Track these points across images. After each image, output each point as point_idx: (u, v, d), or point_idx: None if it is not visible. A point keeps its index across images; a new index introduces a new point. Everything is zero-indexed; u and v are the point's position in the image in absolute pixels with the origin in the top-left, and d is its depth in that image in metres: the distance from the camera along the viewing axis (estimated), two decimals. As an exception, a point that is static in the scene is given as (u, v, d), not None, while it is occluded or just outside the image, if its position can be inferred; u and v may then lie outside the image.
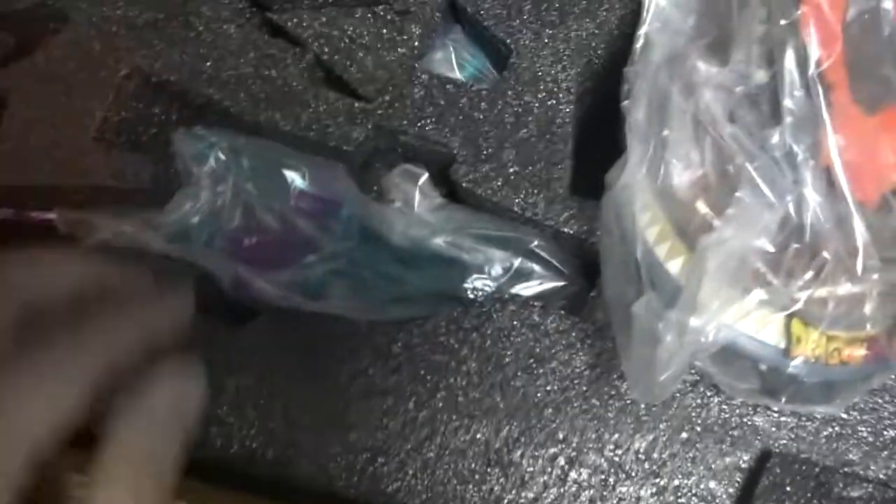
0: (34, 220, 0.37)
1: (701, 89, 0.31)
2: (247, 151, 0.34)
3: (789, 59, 0.28)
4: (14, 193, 0.37)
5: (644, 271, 0.29)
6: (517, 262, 0.34)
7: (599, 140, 0.34)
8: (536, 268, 0.34)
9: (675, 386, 0.28)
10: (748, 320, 0.29)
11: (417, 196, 0.33)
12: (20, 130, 0.36)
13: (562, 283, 0.33)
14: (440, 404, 0.31)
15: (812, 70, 0.28)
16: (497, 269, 0.34)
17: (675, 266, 0.30)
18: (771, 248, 0.27)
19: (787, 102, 0.28)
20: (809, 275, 0.28)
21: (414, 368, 0.32)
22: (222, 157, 0.34)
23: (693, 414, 0.31)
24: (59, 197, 0.36)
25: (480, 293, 0.34)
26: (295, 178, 0.34)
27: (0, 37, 0.39)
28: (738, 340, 0.29)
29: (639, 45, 0.32)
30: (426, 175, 0.33)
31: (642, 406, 0.31)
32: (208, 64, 0.36)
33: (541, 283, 0.34)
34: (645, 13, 0.33)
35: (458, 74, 0.37)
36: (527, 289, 0.34)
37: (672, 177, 0.30)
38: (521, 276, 0.34)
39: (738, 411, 0.31)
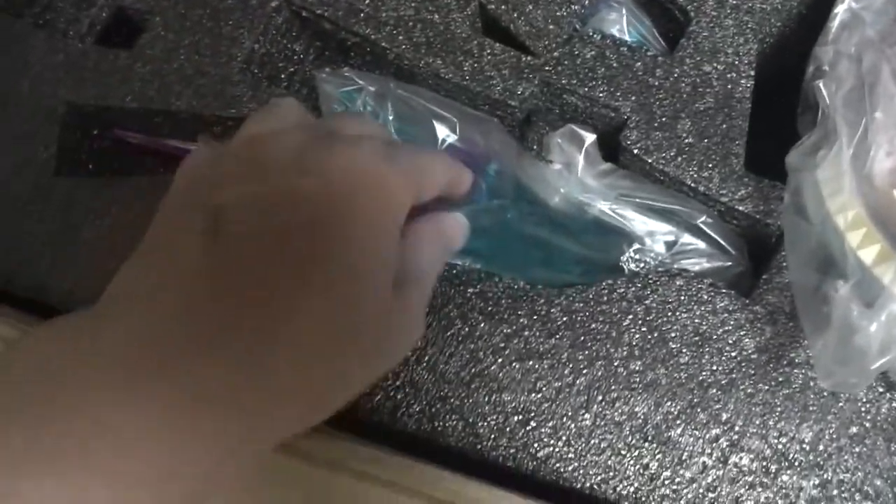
0: (167, 147, 0.40)
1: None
2: (395, 97, 0.37)
3: None
4: (147, 117, 0.39)
5: (838, 258, 0.32)
6: (682, 236, 0.37)
7: (773, 118, 0.37)
8: (702, 244, 0.37)
9: (877, 374, 0.31)
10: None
11: (582, 159, 0.36)
12: (161, 54, 0.39)
13: (728, 263, 0.35)
14: (598, 373, 0.34)
15: None
16: (659, 242, 0.36)
17: (868, 254, 0.32)
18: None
19: None
20: None
21: (573, 334, 0.34)
22: (370, 101, 0.36)
23: (863, 409, 0.34)
24: (197, 126, 0.39)
25: (640, 265, 0.36)
26: (444, 130, 0.37)
27: (140, -45, 0.41)
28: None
29: (835, 23, 0.35)
30: (593, 138, 0.36)
31: (811, 396, 0.34)
32: (367, 2, 0.39)
33: (706, 261, 0.36)
34: (843, -8, 0.35)
35: (627, 38, 0.40)
36: (690, 265, 0.36)
37: (873, 162, 0.33)
38: (685, 251, 0.37)
39: (910, 410, 0.33)
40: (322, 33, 0.42)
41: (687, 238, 0.38)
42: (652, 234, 0.38)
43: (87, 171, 0.41)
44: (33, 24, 0.43)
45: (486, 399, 0.35)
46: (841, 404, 0.35)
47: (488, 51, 0.39)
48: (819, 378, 0.33)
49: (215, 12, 0.41)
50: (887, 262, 0.32)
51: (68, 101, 0.41)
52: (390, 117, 0.38)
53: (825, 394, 0.35)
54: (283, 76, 0.43)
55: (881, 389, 0.35)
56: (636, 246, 0.38)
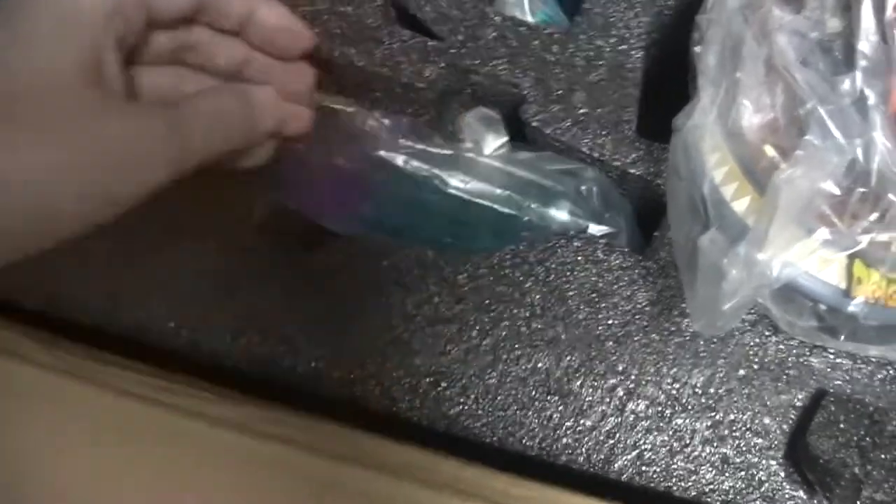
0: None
1: (775, 34, 0.33)
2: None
3: (866, 5, 0.30)
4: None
5: (711, 209, 0.31)
6: (573, 203, 0.36)
7: (667, 87, 0.36)
8: (595, 204, 0.36)
9: (738, 318, 0.31)
10: (811, 260, 0.31)
11: (490, 140, 0.36)
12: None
13: (612, 229, 0.35)
14: (503, 333, 0.34)
15: (889, 14, 0.30)
16: (556, 208, 0.36)
17: (741, 205, 0.32)
18: (837, 191, 0.29)
19: (862, 47, 0.30)
20: (874, 217, 0.30)
21: (479, 298, 0.34)
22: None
23: (751, 352, 0.33)
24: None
25: (539, 230, 0.36)
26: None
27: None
28: (800, 279, 0.31)
29: (711, -7, 0.34)
30: (500, 119, 0.36)
31: (701, 343, 0.33)
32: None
33: (599, 222, 0.36)
34: (720, -38, 0.34)
35: (529, 18, 0.39)
36: (584, 226, 0.36)
37: (742, 119, 0.32)
38: (579, 213, 0.36)
39: (794, 351, 0.33)
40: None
41: (580, 200, 0.37)
42: (546, 199, 0.38)
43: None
44: None
45: (400, 363, 0.35)
46: (730, 349, 0.34)
47: (397, 37, 0.39)
48: (692, 323, 0.33)
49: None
50: (756, 211, 0.32)
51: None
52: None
53: (715, 340, 0.34)
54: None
55: (768, 333, 0.34)
56: (532, 213, 0.37)
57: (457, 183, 0.36)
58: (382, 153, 0.37)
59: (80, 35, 0.25)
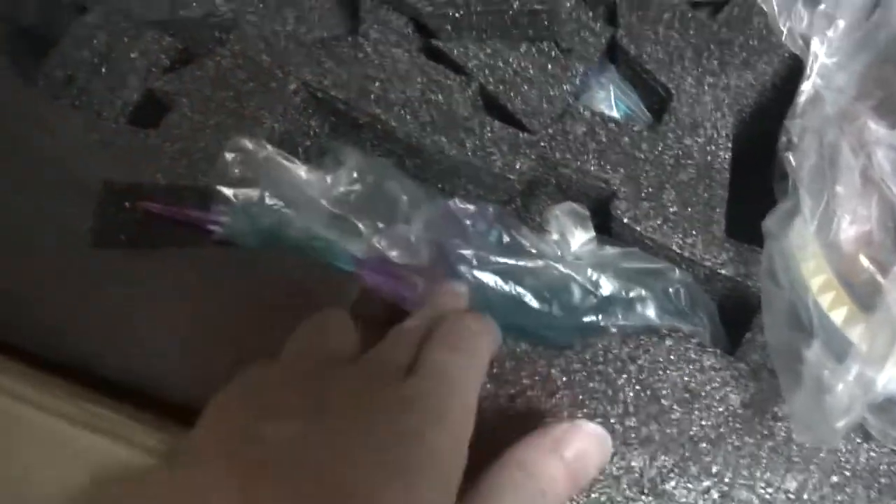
0: (190, 217, 0.39)
1: (872, 147, 0.33)
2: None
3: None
4: (175, 192, 0.39)
5: (814, 320, 0.31)
6: (659, 300, 0.36)
7: (749, 186, 0.37)
8: (681, 305, 0.36)
9: (846, 432, 0.30)
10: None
11: (577, 234, 0.36)
12: (188, 131, 0.39)
13: (698, 328, 0.35)
14: (597, 430, 0.33)
15: None
16: (643, 306, 0.36)
17: (838, 315, 0.32)
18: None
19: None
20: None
21: (572, 394, 0.34)
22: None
23: (843, 459, 0.33)
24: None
25: (625, 328, 0.36)
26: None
27: (168, 43, 0.41)
28: (900, 391, 0.31)
29: (802, 99, 0.35)
30: (588, 214, 0.36)
31: (794, 447, 0.33)
32: (377, 84, 0.39)
33: (685, 321, 0.36)
34: (808, 70, 0.35)
35: (614, 113, 0.40)
36: (671, 326, 0.36)
37: (839, 230, 0.33)
38: (664, 312, 0.36)
39: (886, 460, 0.33)
40: (336, 111, 0.42)
41: (662, 302, 0.37)
42: (633, 299, 0.37)
43: (120, 243, 0.41)
44: (70, 106, 0.43)
45: (492, 454, 0.35)
46: (822, 455, 0.34)
47: (488, 128, 0.39)
48: (795, 433, 0.33)
49: (238, 94, 0.41)
50: (855, 323, 0.32)
51: (103, 178, 0.41)
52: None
53: (807, 445, 0.34)
54: (300, 150, 0.43)
55: (859, 440, 0.35)
56: (619, 310, 0.37)
57: (545, 269, 0.36)
58: (468, 243, 0.36)
59: None
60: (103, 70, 0.43)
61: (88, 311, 0.38)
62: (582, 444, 0.30)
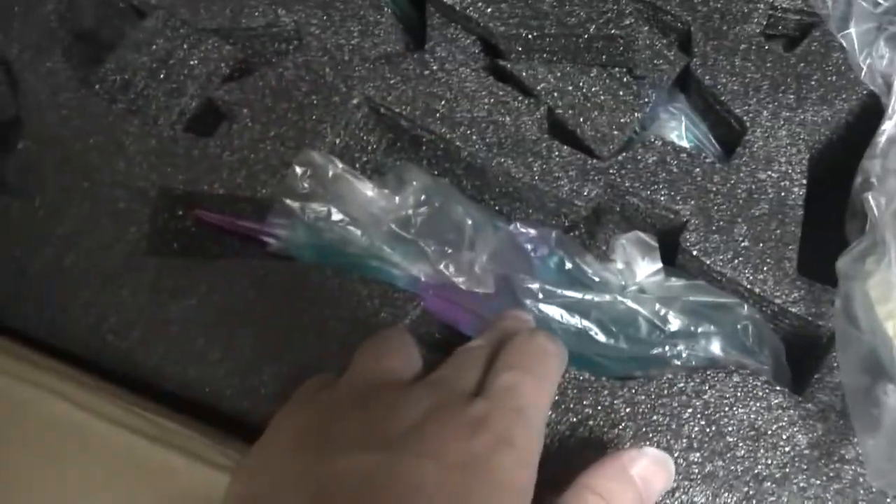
0: (245, 228, 0.40)
1: (955, 192, 0.33)
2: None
3: None
4: (233, 203, 0.39)
5: (892, 363, 0.32)
6: (725, 336, 0.37)
7: (821, 222, 0.37)
8: (749, 342, 0.36)
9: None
10: None
11: (643, 265, 0.36)
12: (248, 144, 0.39)
13: (764, 366, 0.35)
14: (661, 464, 0.33)
15: None
16: (708, 341, 0.36)
17: (915, 360, 0.32)
18: None
19: None
20: None
21: (636, 425, 0.34)
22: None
23: (910, 506, 0.33)
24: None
25: (689, 361, 0.36)
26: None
27: (228, 50, 0.42)
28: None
29: (883, 138, 0.35)
30: (656, 245, 0.36)
31: (860, 491, 0.34)
32: (442, 103, 0.40)
33: (750, 358, 0.36)
34: (890, 110, 0.36)
35: (684, 143, 0.40)
36: (737, 362, 0.36)
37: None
38: (731, 349, 0.36)
39: (954, 509, 0.33)
40: (397, 128, 0.42)
41: (729, 337, 0.38)
42: (698, 334, 0.38)
43: (174, 252, 0.41)
44: (127, 110, 0.43)
45: (551, 484, 0.35)
46: (889, 500, 0.35)
47: (556, 153, 0.40)
48: (869, 477, 0.33)
49: (300, 107, 0.42)
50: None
51: (160, 185, 0.41)
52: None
53: (874, 490, 0.35)
54: (356, 166, 0.43)
55: (929, 489, 0.35)
56: (684, 344, 0.38)
57: (610, 303, 0.36)
58: (533, 275, 0.37)
59: None
60: (161, 76, 0.43)
61: (141, 320, 0.39)
62: (649, 467, 0.31)
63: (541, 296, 0.37)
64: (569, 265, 0.39)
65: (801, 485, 0.35)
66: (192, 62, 0.44)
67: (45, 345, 0.40)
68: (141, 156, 0.42)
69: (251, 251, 0.42)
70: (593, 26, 0.39)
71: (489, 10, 0.41)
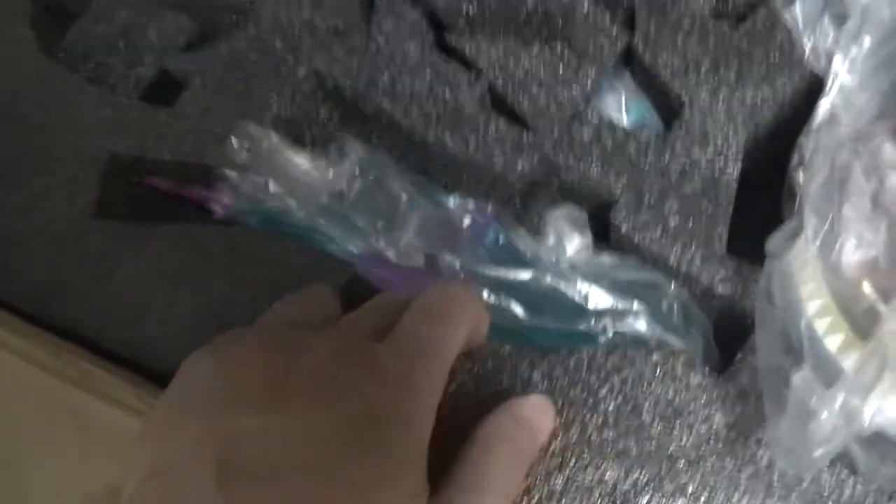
0: (194, 195, 0.40)
1: (886, 171, 0.33)
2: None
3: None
4: (180, 169, 0.40)
5: (805, 344, 0.31)
6: (650, 313, 0.36)
7: (753, 202, 0.37)
8: (674, 319, 0.36)
9: (825, 463, 0.30)
10: (903, 407, 0.31)
11: (574, 239, 0.36)
12: (198, 111, 0.40)
13: (688, 345, 0.35)
14: (573, 438, 0.34)
15: None
16: (635, 318, 0.36)
17: (833, 342, 0.32)
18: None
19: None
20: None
21: (552, 399, 0.34)
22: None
23: (825, 492, 0.33)
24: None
25: (615, 339, 0.36)
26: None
27: (185, 22, 0.43)
28: (889, 426, 0.31)
29: (818, 117, 0.35)
30: (586, 219, 0.36)
31: (776, 475, 0.33)
32: (385, 76, 0.40)
33: (677, 337, 0.36)
34: (827, 88, 0.35)
35: (624, 119, 0.40)
36: (662, 340, 0.36)
37: (842, 254, 0.32)
38: (656, 326, 0.36)
39: (871, 498, 0.32)
40: (345, 101, 0.43)
41: (655, 315, 0.37)
42: (624, 310, 0.38)
43: (123, 217, 0.42)
44: (86, 80, 0.45)
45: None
46: (804, 486, 0.34)
47: (493, 126, 0.40)
48: (775, 457, 0.33)
49: (249, 77, 0.42)
50: (850, 350, 0.32)
51: (110, 151, 0.42)
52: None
53: (789, 473, 0.34)
54: (306, 138, 0.44)
55: (844, 475, 0.34)
56: (609, 321, 0.37)
57: (534, 280, 0.36)
58: (458, 253, 0.37)
59: None
60: (121, 46, 0.44)
61: (87, 281, 0.40)
62: (535, 407, 0.33)
63: (462, 274, 0.37)
64: (502, 240, 0.39)
65: (716, 465, 0.35)
66: (150, 33, 0.45)
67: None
68: (95, 124, 0.43)
69: (200, 218, 0.43)
70: (532, 1, 0.39)
71: (432, -16, 0.41)
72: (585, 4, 0.41)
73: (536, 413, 0.31)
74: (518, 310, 0.37)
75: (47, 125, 0.43)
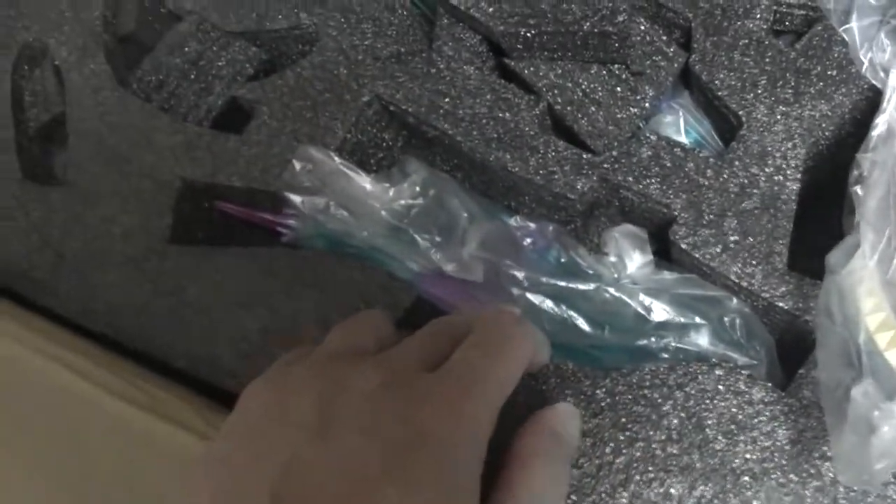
0: (263, 220, 0.42)
1: (943, 186, 0.33)
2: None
3: None
4: (250, 195, 0.42)
5: (865, 359, 0.32)
6: (713, 330, 0.37)
7: (815, 218, 0.37)
8: (737, 335, 0.36)
9: (888, 476, 0.30)
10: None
11: (635, 257, 0.37)
12: (265, 138, 0.42)
13: (753, 361, 0.35)
14: (637, 454, 0.34)
15: None
16: (694, 334, 0.37)
17: (894, 356, 0.32)
18: None
19: None
20: None
21: (615, 415, 0.35)
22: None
23: (893, 506, 0.33)
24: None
25: (677, 353, 0.37)
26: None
27: (253, 52, 0.45)
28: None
29: (876, 132, 0.35)
30: (646, 238, 0.37)
31: (840, 490, 0.33)
32: (446, 100, 0.41)
33: (740, 353, 0.36)
34: (885, 103, 0.35)
35: (683, 138, 0.40)
36: (724, 355, 0.36)
37: (898, 269, 0.33)
38: (719, 342, 0.37)
39: (940, 511, 0.33)
40: (408, 125, 0.44)
41: (717, 331, 0.38)
42: (687, 326, 0.38)
43: (196, 241, 0.44)
44: (159, 108, 0.47)
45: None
46: (870, 500, 0.34)
47: (552, 148, 0.41)
48: (837, 472, 0.33)
49: (314, 104, 0.44)
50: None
51: (183, 177, 0.44)
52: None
53: (854, 489, 0.34)
54: (372, 161, 0.45)
55: (912, 489, 0.34)
56: (672, 336, 0.38)
57: (596, 295, 0.37)
58: (520, 264, 0.38)
59: None
60: (192, 76, 0.46)
61: (159, 303, 0.42)
62: (565, 417, 0.33)
63: (526, 284, 0.38)
64: (563, 258, 0.40)
65: (780, 480, 0.35)
66: (219, 63, 0.47)
67: (74, 324, 0.43)
68: (167, 150, 0.45)
69: (268, 241, 0.44)
70: (588, 23, 0.40)
71: (490, 9, 0.42)
72: (642, 25, 0.41)
73: (567, 422, 0.31)
74: (580, 325, 0.38)
75: (124, 151, 0.45)
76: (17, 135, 0.48)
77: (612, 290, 0.37)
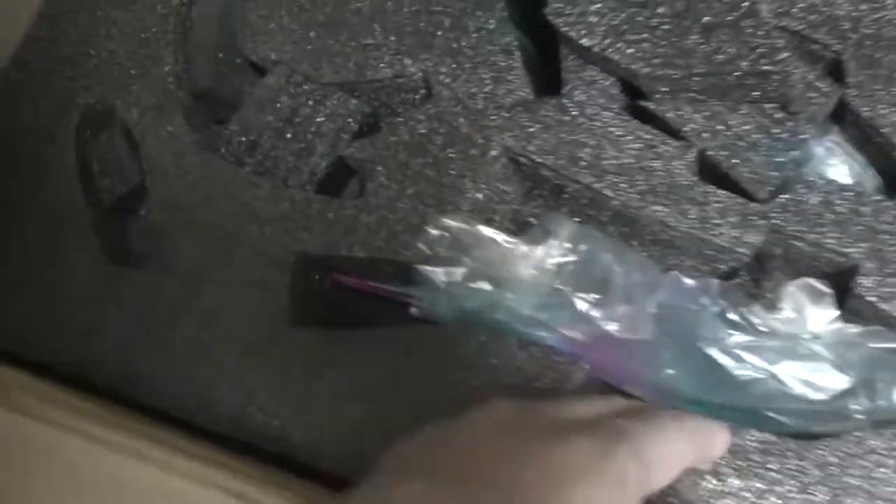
0: (386, 292, 0.38)
1: None
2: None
3: None
4: (374, 266, 0.38)
5: None
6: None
7: None
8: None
9: None
10: None
11: (816, 313, 0.34)
12: (385, 203, 0.38)
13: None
14: (858, 531, 0.32)
15: None
16: (890, 390, 0.35)
17: None
18: None
19: None
20: None
21: (829, 490, 0.34)
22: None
23: None
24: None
25: (870, 414, 0.34)
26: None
27: (355, 106, 0.41)
28: None
29: None
30: (830, 293, 0.34)
31: None
32: (586, 150, 0.38)
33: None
34: None
35: (844, 179, 0.38)
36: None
37: None
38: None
39: None
40: (538, 178, 0.41)
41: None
42: (878, 382, 0.36)
43: (316, 320, 0.40)
44: (255, 173, 0.43)
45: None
46: None
47: (713, 198, 0.38)
48: None
49: (436, 161, 0.40)
50: None
51: (296, 251, 0.40)
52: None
53: None
54: (496, 217, 0.42)
55: None
56: (865, 394, 0.36)
57: (791, 355, 0.34)
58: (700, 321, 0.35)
59: None
60: (288, 135, 0.42)
61: (285, 394, 0.38)
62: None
63: (706, 341, 0.35)
64: (734, 316, 0.37)
65: None
66: (318, 119, 0.43)
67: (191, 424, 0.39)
68: (274, 221, 0.41)
69: (392, 316, 0.41)
70: (745, 62, 0.38)
71: (630, 50, 0.39)
72: (792, 60, 0.39)
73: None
74: (788, 387, 0.35)
75: (222, 224, 0.41)
76: (88, 209, 0.44)
77: (814, 346, 0.35)
